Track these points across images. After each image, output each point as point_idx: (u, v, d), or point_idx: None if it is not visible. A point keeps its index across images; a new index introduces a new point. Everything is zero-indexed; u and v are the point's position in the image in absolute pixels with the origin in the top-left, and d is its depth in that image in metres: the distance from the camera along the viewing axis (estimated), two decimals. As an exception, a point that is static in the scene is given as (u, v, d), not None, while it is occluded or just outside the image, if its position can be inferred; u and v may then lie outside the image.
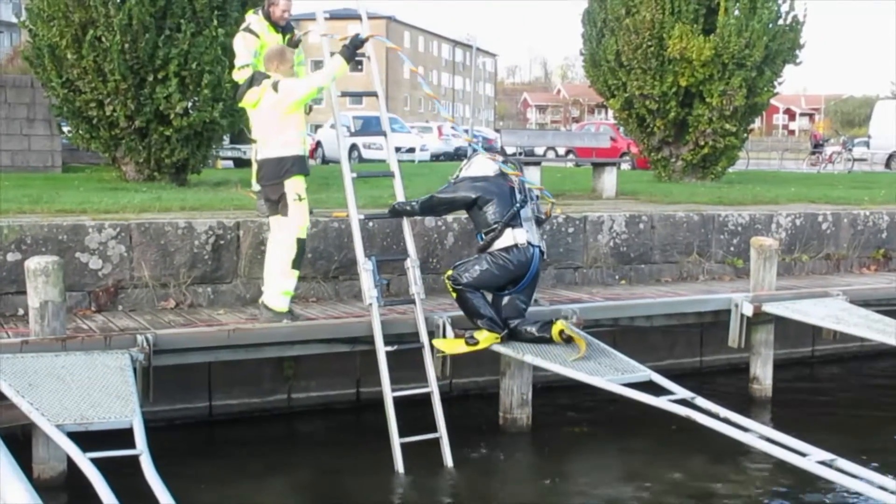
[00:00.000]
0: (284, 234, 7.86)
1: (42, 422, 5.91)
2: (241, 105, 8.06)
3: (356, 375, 9.06)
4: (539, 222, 8.15)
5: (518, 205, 7.85)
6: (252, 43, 8.79)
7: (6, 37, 65.04)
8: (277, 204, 7.89)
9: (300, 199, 7.82)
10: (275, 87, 7.70)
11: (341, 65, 7.90)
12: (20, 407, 6.09)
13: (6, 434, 6.03)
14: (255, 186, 9.45)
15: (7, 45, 61.23)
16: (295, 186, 7.81)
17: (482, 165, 8.20)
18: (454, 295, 7.92)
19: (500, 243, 7.79)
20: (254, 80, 7.90)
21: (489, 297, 8.00)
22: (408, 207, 8.23)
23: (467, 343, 7.88)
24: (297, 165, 7.82)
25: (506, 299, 7.98)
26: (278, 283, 7.96)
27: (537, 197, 8.27)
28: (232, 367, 8.33)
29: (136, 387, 6.60)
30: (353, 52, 8.02)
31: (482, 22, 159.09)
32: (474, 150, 8.60)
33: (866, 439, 8.57)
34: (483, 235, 7.91)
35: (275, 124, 7.77)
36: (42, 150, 17.89)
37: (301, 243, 7.92)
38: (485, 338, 7.83)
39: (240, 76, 8.73)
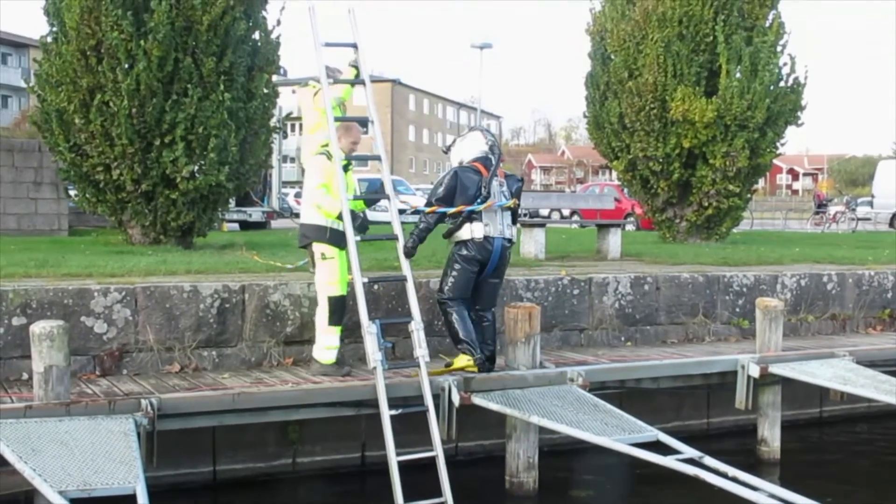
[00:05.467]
0: (319, 293, 8.29)
1: (44, 488, 5.86)
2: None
3: (361, 439, 9.00)
4: (512, 213, 8.74)
5: (479, 201, 8.41)
6: None
7: (14, 101, 65.81)
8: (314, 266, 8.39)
9: (324, 258, 8.18)
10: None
11: None
12: (23, 473, 6.04)
13: (8, 500, 6.00)
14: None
15: (15, 109, 61.92)
16: (319, 247, 8.22)
17: (475, 141, 8.79)
18: (443, 315, 8.61)
19: (459, 235, 8.49)
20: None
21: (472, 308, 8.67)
22: (422, 227, 8.51)
23: (445, 366, 8.56)
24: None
25: (482, 287, 8.63)
26: (321, 339, 8.36)
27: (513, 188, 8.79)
28: (236, 431, 8.29)
29: (140, 452, 6.56)
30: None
31: (486, 84, 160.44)
32: (472, 127, 9.28)
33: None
34: (451, 221, 8.54)
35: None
36: (49, 214, 17.98)
37: (332, 301, 8.21)
38: (459, 361, 8.43)
39: None
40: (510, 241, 8.68)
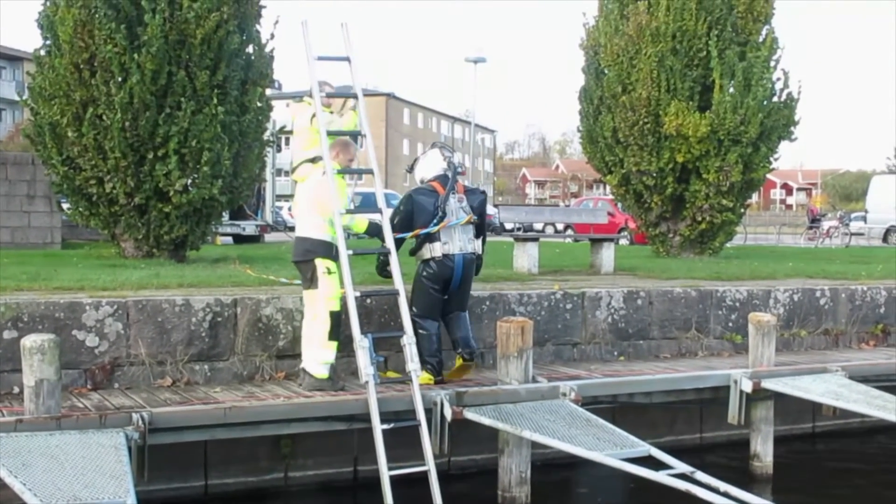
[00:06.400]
0: (318, 307, 8.25)
1: (35, 502, 5.84)
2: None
3: (354, 453, 8.97)
4: (478, 227, 8.98)
5: (434, 222, 8.66)
6: None
7: (8, 114, 65.75)
8: (310, 280, 8.31)
9: (329, 273, 8.21)
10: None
11: None
12: (13, 487, 6.02)
13: (-2, 515, 5.97)
14: None
15: (9, 122, 61.88)
16: (324, 262, 8.26)
17: (433, 159, 9.09)
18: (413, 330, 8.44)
19: (421, 255, 8.79)
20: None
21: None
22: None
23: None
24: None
25: (453, 297, 8.91)
26: (317, 354, 8.34)
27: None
28: (228, 445, 8.26)
29: (131, 466, 6.54)
30: None
31: (480, 98, 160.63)
32: (433, 144, 9.47)
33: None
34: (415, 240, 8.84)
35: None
36: (42, 227, 17.96)
37: (333, 315, 8.23)
38: (422, 377, 8.29)
39: None
40: (473, 254, 8.89)
